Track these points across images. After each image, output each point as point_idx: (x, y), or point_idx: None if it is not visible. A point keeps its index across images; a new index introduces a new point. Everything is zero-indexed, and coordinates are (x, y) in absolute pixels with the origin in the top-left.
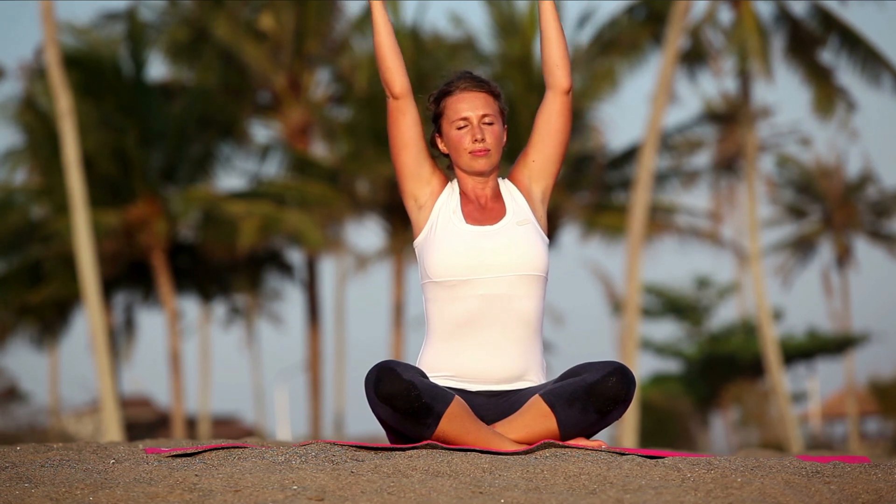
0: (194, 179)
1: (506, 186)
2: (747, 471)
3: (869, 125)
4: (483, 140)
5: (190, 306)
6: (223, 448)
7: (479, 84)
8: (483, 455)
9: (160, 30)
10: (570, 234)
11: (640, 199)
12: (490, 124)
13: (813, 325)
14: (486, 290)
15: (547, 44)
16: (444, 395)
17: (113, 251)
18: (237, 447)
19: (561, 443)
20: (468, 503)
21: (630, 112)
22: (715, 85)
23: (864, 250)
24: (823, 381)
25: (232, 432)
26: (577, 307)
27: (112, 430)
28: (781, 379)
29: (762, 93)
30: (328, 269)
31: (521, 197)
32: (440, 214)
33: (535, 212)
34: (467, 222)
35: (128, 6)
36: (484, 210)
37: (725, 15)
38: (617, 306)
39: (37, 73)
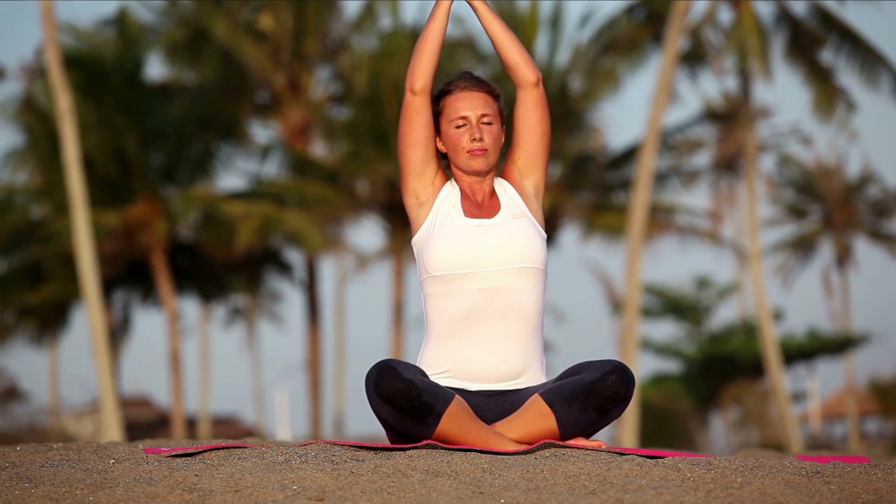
0: (194, 179)
1: (500, 184)
2: (747, 471)
3: (869, 125)
4: (481, 139)
5: (190, 306)
6: (223, 448)
7: (479, 84)
8: (483, 455)
9: (159, 30)
10: (570, 234)
11: (640, 199)
12: (489, 124)
13: (813, 325)
14: (484, 283)
15: (498, 47)
16: (444, 395)
17: (113, 251)
18: (237, 447)
19: (561, 443)
20: (468, 503)
21: (630, 112)
22: (715, 85)
23: (864, 250)
24: (823, 381)
25: (232, 432)
26: (578, 307)
27: (112, 430)
28: (781, 379)
29: (762, 93)
30: (328, 269)
31: (514, 192)
32: (440, 210)
33: (530, 206)
34: (466, 216)
35: (118, 6)
36: (481, 207)
37: (725, 15)
38: (617, 306)
39: (37, 73)
